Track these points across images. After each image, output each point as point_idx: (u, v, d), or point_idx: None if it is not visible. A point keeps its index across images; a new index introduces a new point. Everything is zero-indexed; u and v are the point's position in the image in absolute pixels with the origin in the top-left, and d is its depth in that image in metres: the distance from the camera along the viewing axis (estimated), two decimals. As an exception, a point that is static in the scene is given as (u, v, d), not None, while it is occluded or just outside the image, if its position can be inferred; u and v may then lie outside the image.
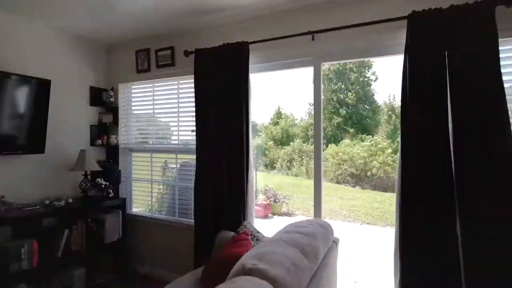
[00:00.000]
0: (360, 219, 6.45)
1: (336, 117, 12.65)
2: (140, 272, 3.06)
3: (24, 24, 2.58)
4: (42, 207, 2.46)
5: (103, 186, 2.86)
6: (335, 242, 1.64)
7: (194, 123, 2.58)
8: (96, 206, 2.80)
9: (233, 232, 2.12)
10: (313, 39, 2.12)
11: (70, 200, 2.65)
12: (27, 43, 2.61)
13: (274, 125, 13.40)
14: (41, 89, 2.62)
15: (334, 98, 13.09)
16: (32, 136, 2.60)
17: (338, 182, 10.25)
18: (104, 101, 3.19)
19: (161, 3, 2.27)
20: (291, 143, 11.97)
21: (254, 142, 2.78)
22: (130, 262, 3.08)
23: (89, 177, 2.82)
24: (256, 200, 6.07)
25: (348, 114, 12.65)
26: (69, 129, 2.93)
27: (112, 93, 3.20)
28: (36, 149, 2.61)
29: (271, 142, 12.65)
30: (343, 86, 13.12)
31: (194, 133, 2.55)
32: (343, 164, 10.24)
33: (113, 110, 3.24)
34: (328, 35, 2.11)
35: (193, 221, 2.58)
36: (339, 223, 6.28)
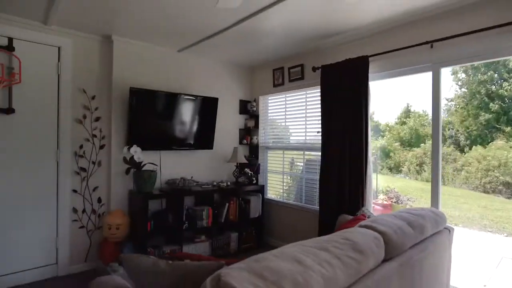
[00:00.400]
0: (506, 231, 5.44)
1: (484, 114, 10.61)
2: (271, 244, 3.81)
3: (197, 60, 3.69)
4: (212, 186, 3.53)
5: (249, 174, 3.77)
6: (448, 229, 1.82)
7: (319, 125, 3.11)
8: (244, 189, 3.73)
9: (352, 216, 2.53)
10: (431, 47, 2.27)
11: (228, 183, 3.64)
12: (200, 72, 3.74)
13: (401, 125, 12.35)
14: (208, 104, 3.56)
15: (481, 90, 10.98)
16: (198, 137, 3.55)
17: (485, 191, 8.68)
18: (248, 110, 4.14)
19: (294, 34, 2.90)
20: (422, 144, 10.81)
21: (377, 143, 3.06)
22: (265, 235, 3.88)
23: (239, 167, 3.79)
24: (376, 199, 6.05)
25: (502, 109, 10.38)
26: (226, 132, 3.99)
27: (254, 104, 4.13)
28: (206, 146, 3.69)
29: (397, 144, 11.75)
30: (495, 75, 10.86)
31: (320, 134, 3.08)
32: (492, 171, 8.61)
33: (255, 117, 4.14)
34: (447, 41, 2.19)
35: (318, 207, 3.11)
36: (475, 232, 5.55)
